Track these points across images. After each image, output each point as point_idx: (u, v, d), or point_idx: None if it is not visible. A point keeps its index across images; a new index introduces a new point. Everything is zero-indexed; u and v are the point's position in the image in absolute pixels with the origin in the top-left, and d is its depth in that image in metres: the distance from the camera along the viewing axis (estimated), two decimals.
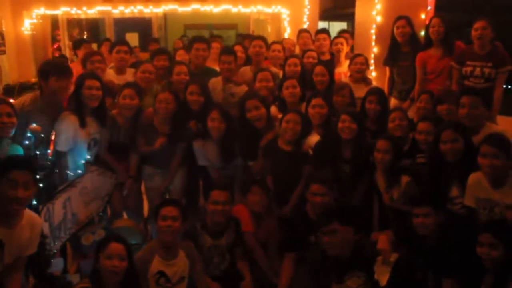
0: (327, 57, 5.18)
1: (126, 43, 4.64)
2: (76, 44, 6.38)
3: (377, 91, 4.08)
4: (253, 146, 3.76)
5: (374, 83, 4.92)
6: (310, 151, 3.67)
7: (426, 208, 2.87)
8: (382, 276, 2.97)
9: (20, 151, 3.12)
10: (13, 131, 3.09)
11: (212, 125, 3.67)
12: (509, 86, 4.76)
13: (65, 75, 3.38)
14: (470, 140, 3.13)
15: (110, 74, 4.33)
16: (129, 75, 4.34)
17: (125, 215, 4.02)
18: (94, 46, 8.92)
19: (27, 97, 3.41)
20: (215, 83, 4.31)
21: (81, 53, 5.75)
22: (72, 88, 3.54)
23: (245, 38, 6.34)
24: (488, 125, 3.38)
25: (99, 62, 4.21)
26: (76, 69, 4.16)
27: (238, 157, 3.82)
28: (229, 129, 3.71)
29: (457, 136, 3.08)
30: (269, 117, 3.82)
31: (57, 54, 8.00)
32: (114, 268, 2.60)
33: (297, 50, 5.27)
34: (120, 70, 4.41)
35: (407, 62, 4.66)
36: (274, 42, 5.26)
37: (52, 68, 3.40)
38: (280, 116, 3.82)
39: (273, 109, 4.03)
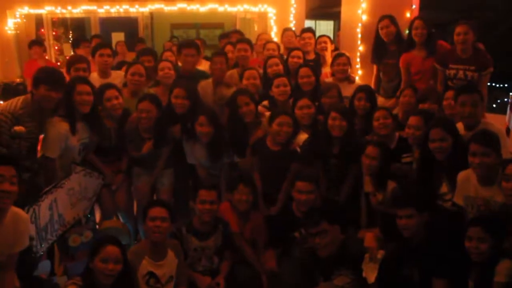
0: (312, 56, 5.19)
1: (108, 46, 4.56)
2: (75, 43, 6.26)
3: (366, 88, 4.11)
4: (241, 142, 3.81)
5: (360, 82, 4.95)
6: (298, 149, 3.70)
7: (409, 209, 2.87)
8: (370, 273, 2.99)
9: None
10: None
11: (200, 130, 3.70)
12: (493, 84, 4.82)
13: (55, 86, 3.28)
14: (459, 137, 3.16)
15: (94, 78, 4.24)
16: (114, 78, 4.28)
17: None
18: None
19: (18, 100, 3.31)
20: (206, 86, 4.31)
21: (80, 51, 5.66)
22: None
23: (230, 36, 6.29)
24: (483, 122, 3.39)
25: (83, 70, 4.03)
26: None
27: (225, 157, 3.85)
28: (217, 131, 3.74)
29: (445, 135, 3.10)
30: (257, 113, 3.88)
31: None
32: (109, 271, 2.59)
33: (282, 49, 5.28)
34: (104, 74, 4.32)
35: (393, 60, 4.68)
36: (268, 42, 5.25)
37: (44, 77, 3.31)
38: (267, 113, 3.84)
39: (260, 107, 4.07)
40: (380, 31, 4.72)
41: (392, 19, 4.69)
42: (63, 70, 4.17)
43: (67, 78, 3.79)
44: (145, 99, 3.71)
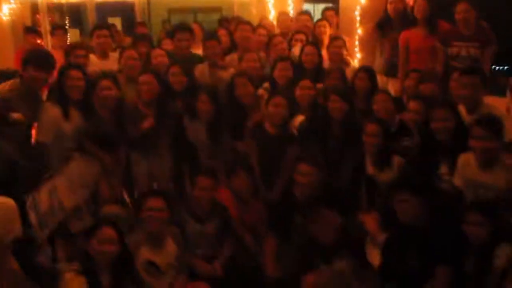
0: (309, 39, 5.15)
1: (105, 26, 4.54)
2: (51, 31, 6.19)
3: (368, 69, 4.13)
4: (240, 125, 3.81)
5: (357, 65, 4.93)
6: (295, 131, 3.68)
7: (404, 193, 2.87)
8: (373, 257, 3.01)
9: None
10: None
11: (201, 108, 3.69)
12: (497, 68, 4.80)
13: (43, 66, 3.30)
14: (461, 119, 3.15)
15: (93, 60, 4.24)
16: (113, 61, 4.26)
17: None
18: (75, 32, 8.77)
19: (6, 84, 3.34)
20: (202, 69, 4.30)
21: (54, 40, 5.58)
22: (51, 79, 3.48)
23: (229, 21, 6.24)
24: (485, 104, 3.37)
25: (84, 57, 4.07)
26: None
27: (224, 137, 3.83)
28: (217, 110, 3.74)
29: (449, 115, 3.10)
30: (256, 96, 3.89)
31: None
32: (106, 253, 2.62)
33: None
34: (103, 54, 4.32)
35: (395, 35, 4.70)
36: (258, 26, 5.21)
37: (32, 57, 3.34)
38: (266, 96, 3.83)
39: (260, 91, 4.05)
40: (388, 5, 4.70)
41: None
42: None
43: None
44: (146, 72, 3.75)
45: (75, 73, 3.46)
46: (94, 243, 2.64)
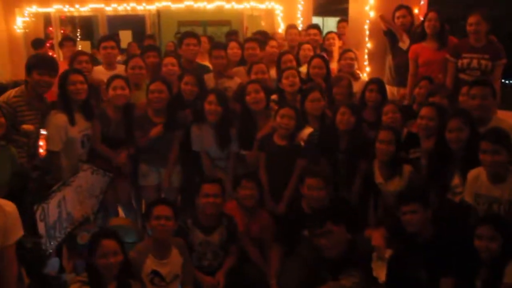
0: (317, 52, 5.18)
1: (111, 38, 4.58)
2: (60, 43, 6.26)
3: (378, 81, 4.13)
4: (249, 134, 3.79)
5: (367, 79, 4.93)
6: (302, 143, 3.68)
7: (413, 204, 2.86)
8: (379, 272, 2.98)
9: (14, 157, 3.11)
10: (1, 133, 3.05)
11: (209, 109, 3.69)
12: (507, 81, 4.78)
13: (47, 69, 3.34)
14: (476, 130, 3.13)
15: (100, 71, 4.28)
16: (119, 72, 4.29)
17: (120, 212, 4.02)
18: (86, 44, 8.89)
19: (12, 91, 3.38)
20: (208, 79, 4.31)
21: (64, 51, 5.66)
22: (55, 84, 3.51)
23: (237, 34, 6.29)
24: (496, 118, 3.36)
25: (86, 62, 4.13)
26: (63, 67, 4.12)
27: (233, 144, 3.82)
28: (226, 113, 3.74)
29: (463, 125, 3.09)
30: (268, 105, 3.86)
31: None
32: (111, 264, 2.62)
33: (286, 47, 5.28)
34: (109, 66, 4.34)
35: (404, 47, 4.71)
36: (270, 38, 5.25)
37: (35, 62, 3.37)
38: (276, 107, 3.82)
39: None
40: (396, 20, 4.72)
41: (409, 10, 4.73)
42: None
43: None
44: (157, 80, 3.75)
45: (75, 77, 3.50)
46: (97, 258, 2.63)
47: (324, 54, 4.97)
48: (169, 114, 3.76)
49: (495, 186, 2.86)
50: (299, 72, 4.21)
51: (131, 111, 3.76)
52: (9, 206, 2.60)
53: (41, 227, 2.89)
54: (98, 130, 3.69)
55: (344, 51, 4.71)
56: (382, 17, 4.95)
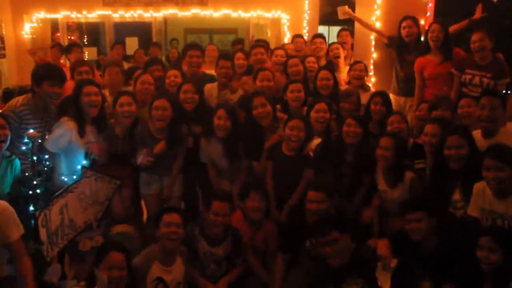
0: (323, 62, 5.21)
1: (116, 64, 4.57)
2: (67, 49, 6.20)
3: (383, 93, 4.14)
4: (257, 146, 3.76)
5: (374, 89, 4.94)
6: (311, 153, 3.67)
7: (418, 213, 2.85)
8: (384, 282, 2.97)
9: (17, 168, 3.10)
10: (6, 145, 3.06)
11: (218, 123, 3.67)
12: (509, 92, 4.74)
13: (57, 80, 3.33)
14: (474, 145, 3.12)
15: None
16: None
17: None
18: (93, 50, 8.95)
19: (19, 98, 3.37)
20: (211, 89, 4.31)
21: (72, 57, 5.68)
22: (64, 93, 3.51)
23: (243, 42, 6.30)
24: (503, 130, 3.32)
25: (86, 73, 4.05)
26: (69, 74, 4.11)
27: (241, 158, 3.80)
28: (234, 128, 3.72)
29: (462, 142, 3.07)
30: (275, 116, 3.83)
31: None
32: (114, 278, 2.58)
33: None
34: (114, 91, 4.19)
35: (411, 58, 4.71)
36: (276, 48, 5.28)
37: (46, 73, 3.35)
38: (285, 117, 3.81)
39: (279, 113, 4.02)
40: (402, 30, 4.72)
41: (415, 21, 4.73)
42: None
43: (72, 83, 3.83)
44: (161, 97, 3.70)
45: (90, 89, 3.44)
46: (102, 268, 2.60)
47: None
48: (172, 131, 3.72)
49: (499, 201, 2.84)
50: (306, 82, 4.20)
51: (135, 126, 3.74)
52: (3, 203, 2.63)
53: (42, 233, 2.87)
54: (106, 148, 3.66)
55: (354, 63, 4.74)
56: (342, 9, 5.17)
